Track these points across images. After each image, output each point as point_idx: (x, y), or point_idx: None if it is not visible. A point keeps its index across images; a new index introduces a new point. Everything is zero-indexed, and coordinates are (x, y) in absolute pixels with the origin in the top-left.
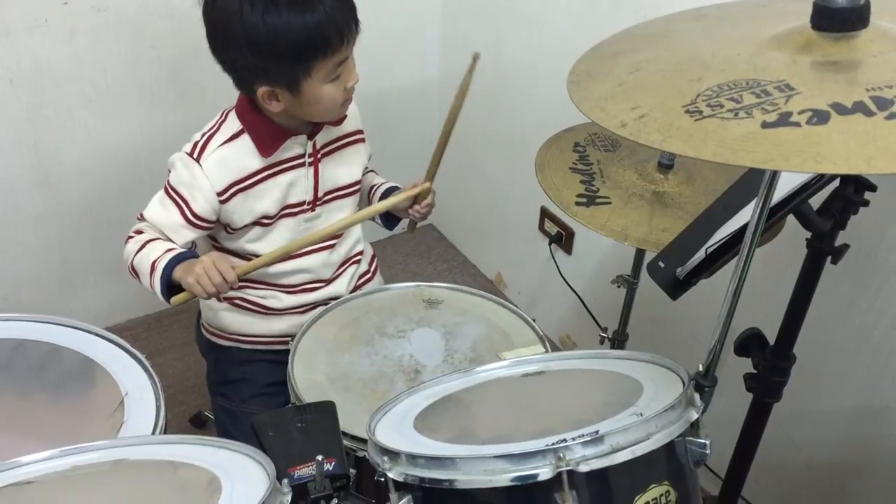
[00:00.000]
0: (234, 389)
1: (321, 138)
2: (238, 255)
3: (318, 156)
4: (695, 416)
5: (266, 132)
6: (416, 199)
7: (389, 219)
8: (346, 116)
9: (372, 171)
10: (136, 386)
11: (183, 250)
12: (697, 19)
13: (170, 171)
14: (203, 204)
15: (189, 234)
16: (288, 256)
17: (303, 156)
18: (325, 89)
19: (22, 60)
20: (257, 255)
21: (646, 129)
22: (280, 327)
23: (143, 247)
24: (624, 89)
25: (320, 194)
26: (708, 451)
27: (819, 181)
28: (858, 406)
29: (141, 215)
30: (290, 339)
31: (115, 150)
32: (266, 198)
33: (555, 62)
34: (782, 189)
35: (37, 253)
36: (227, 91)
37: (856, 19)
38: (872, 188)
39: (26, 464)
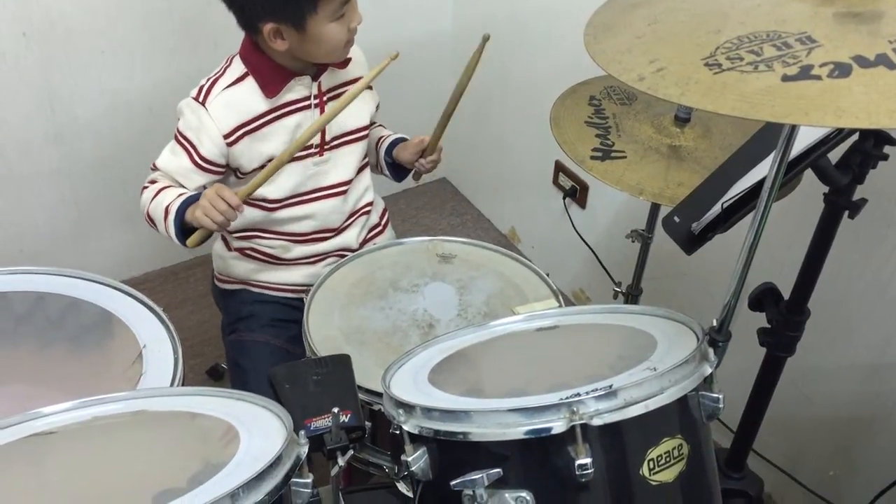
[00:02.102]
0: (244, 324)
1: (326, 81)
2: (246, 200)
3: (325, 98)
4: (708, 370)
5: (270, 72)
6: (422, 153)
7: (398, 170)
8: (350, 60)
9: (381, 125)
10: (153, 338)
11: (193, 193)
12: None
13: (179, 119)
14: (210, 147)
15: (199, 179)
16: (295, 196)
17: (308, 98)
18: (329, 28)
19: (34, 13)
20: (266, 199)
21: (664, 82)
22: (290, 277)
23: (156, 195)
24: (642, 42)
25: (328, 138)
26: (721, 406)
27: (838, 135)
28: (871, 362)
29: (154, 165)
30: (300, 287)
31: (128, 102)
32: (273, 140)
33: (570, 14)
34: (801, 143)
35: (53, 206)
36: (238, 43)
37: None
38: (892, 142)
39: (48, 414)
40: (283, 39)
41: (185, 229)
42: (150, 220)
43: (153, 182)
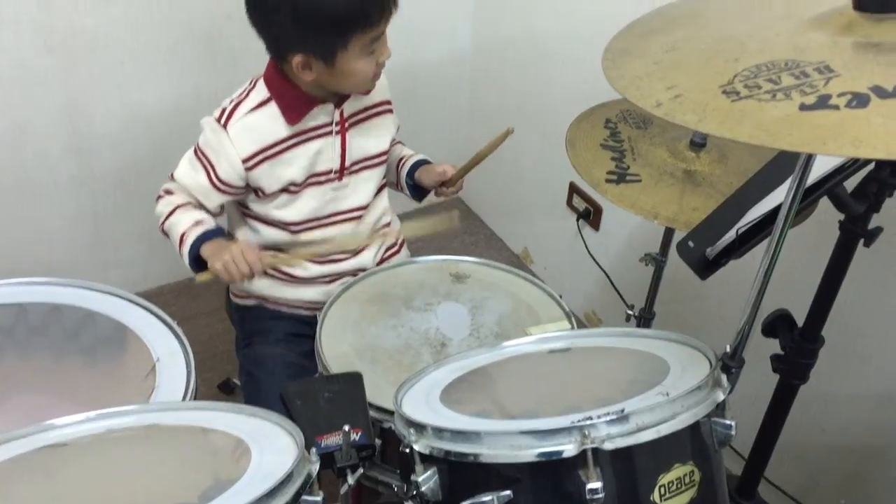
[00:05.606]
0: (259, 338)
1: (349, 107)
2: (264, 220)
3: (346, 125)
4: (721, 396)
5: (293, 99)
6: (444, 183)
7: (418, 191)
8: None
9: (399, 142)
10: (167, 352)
11: (210, 227)
12: None
13: (200, 133)
14: (228, 170)
15: (218, 198)
16: (313, 219)
17: (330, 124)
18: (358, 63)
19: (56, 24)
20: (284, 222)
21: (681, 109)
22: (307, 295)
23: (173, 211)
24: (660, 68)
25: (348, 164)
26: (733, 433)
27: (855, 164)
28: (885, 391)
29: (172, 175)
30: (315, 305)
31: (148, 115)
32: (293, 165)
33: (587, 38)
34: (817, 170)
35: (70, 218)
36: (259, 58)
37: None
38: None
39: (61, 426)
40: (311, 70)
41: (198, 259)
42: (165, 234)
43: (169, 192)
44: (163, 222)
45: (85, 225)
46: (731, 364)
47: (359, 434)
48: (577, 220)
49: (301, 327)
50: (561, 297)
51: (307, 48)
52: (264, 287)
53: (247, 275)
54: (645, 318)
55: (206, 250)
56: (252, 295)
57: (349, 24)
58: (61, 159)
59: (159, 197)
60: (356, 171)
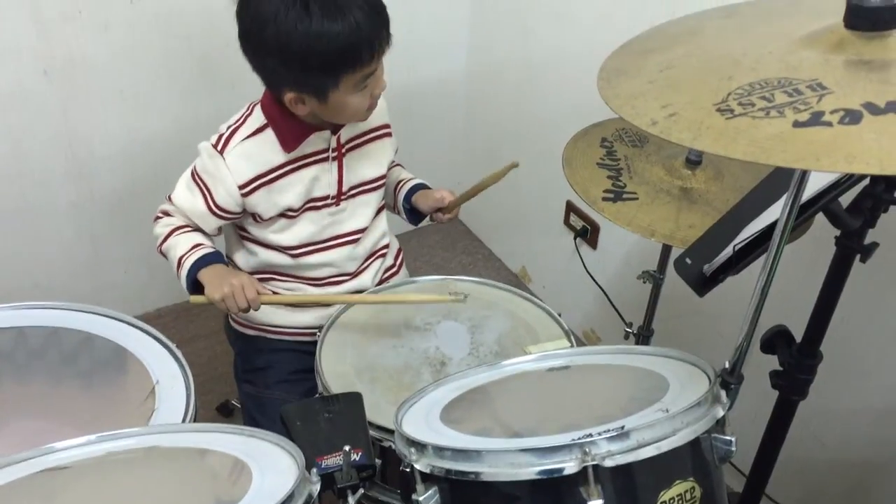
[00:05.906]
0: (260, 376)
1: (346, 133)
2: (262, 243)
3: (343, 150)
4: (721, 413)
5: (290, 127)
6: (440, 209)
7: (415, 215)
8: None
9: (398, 164)
10: (166, 374)
11: (208, 250)
12: (729, 17)
13: (197, 158)
14: (225, 196)
15: (215, 222)
16: (311, 244)
17: (327, 150)
18: (352, 99)
19: (56, 52)
20: (281, 245)
21: (676, 127)
22: (306, 319)
23: (171, 233)
24: (654, 87)
25: (345, 189)
26: (733, 448)
27: (849, 179)
28: (885, 405)
29: (169, 198)
30: (315, 330)
31: (147, 141)
32: (289, 192)
33: (582, 58)
34: (812, 187)
35: (69, 242)
36: (257, 84)
37: (890, 18)
38: None
39: (61, 449)
40: (304, 105)
41: (195, 282)
42: (163, 255)
43: (167, 214)
44: (161, 243)
45: (83, 248)
46: (730, 380)
47: (359, 454)
48: (575, 238)
49: (301, 360)
50: (560, 315)
51: (299, 87)
52: (263, 313)
53: (244, 310)
54: (643, 336)
55: (205, 276)
56: (253, 324)
57: (339, 64)
58: (60, 183)
59: (157, 218)
60: (354, 196)
